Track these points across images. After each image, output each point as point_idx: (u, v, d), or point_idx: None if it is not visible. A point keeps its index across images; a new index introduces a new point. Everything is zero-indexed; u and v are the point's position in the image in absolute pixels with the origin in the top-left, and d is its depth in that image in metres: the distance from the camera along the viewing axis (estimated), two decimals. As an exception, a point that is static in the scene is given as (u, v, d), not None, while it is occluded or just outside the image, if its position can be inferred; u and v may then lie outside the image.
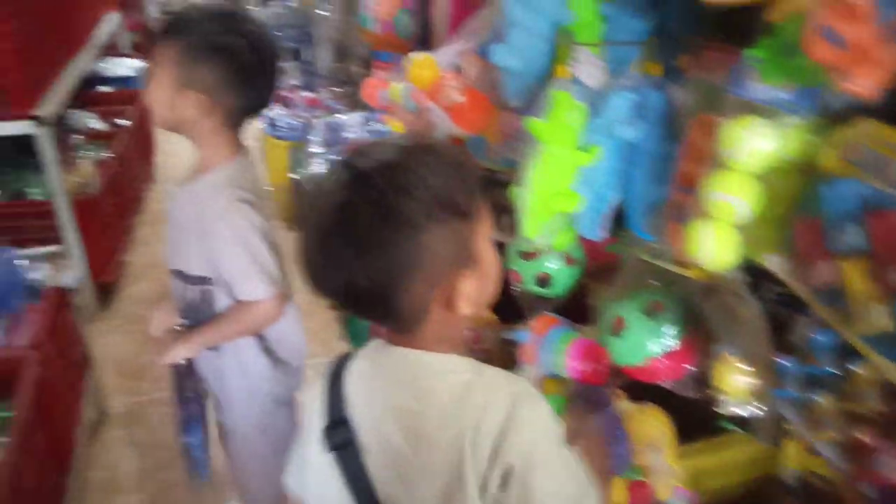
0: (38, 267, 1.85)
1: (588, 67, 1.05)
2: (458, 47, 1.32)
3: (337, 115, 2.78)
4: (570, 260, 1.28)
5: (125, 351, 2.58)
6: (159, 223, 3.61)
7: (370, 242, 0.71)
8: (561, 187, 1.03)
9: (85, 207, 2.56)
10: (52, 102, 2.48)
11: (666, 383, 1.18)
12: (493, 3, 1.27)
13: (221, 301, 1.28)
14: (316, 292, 0.77)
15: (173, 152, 4.56)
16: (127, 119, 3.70)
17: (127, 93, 4.12)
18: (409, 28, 1.81)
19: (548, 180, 1.03)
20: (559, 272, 1.31)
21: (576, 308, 1.37)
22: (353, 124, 2.70)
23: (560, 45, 1.15)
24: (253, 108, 1.28)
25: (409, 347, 0.79)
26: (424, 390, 0.77)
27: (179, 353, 1.29)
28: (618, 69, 1.08)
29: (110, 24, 4.01)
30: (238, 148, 1.28)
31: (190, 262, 1.28)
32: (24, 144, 2.78)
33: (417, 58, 1.31)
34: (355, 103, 2.90)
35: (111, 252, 2.87)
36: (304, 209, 0.84)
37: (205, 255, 1.24)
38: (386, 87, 2.13)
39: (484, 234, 0.79)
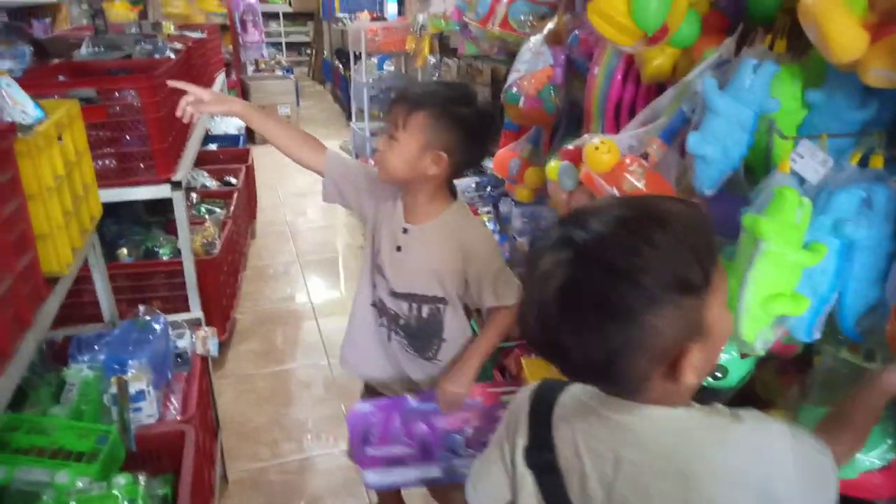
0: (181, 333, 1.88)
1: (810, 161, 1.00)
2: (637, 131, 1.29)
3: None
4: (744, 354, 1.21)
5: (238, 411, 2.59)
6: (263, 279, 3.70)
7: (589, 326, 0.70)
8: (785, 289, 0.97)
9: (207, 267, 2.63)
10: (184, 166, 2.59)
11: (880, 501, 1.08)
12: (682, 88, 1.25)
13: (449, 316, 1.50)
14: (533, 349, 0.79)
15: (267, 208, 4.73)
16: (235, 177, 3.84)
17: (234, 151, 4.31)
18: (554, 103, 1.81)
19: (770, 281, 0.97)
20: (734, 363, 1.24)
21: (746, 399, 1.29)
22: (468, 188, 2.71)
23: (761, 135, 1.11)
24: (473, 162, 1.55)
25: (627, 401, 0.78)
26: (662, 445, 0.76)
27: (462, 391, 1.47)
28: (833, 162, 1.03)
29: (216, 83, 4.23)
30: (454, 194, 1.50)
31: (426, 286, 1.48)
32: (149, 205, 2.92)
33: (595, 140, 1.29)
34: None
35: (225, 310, 2.94)
36: (524, 273, 0.85)
37: (448, 278, 1.46)
38: (516, 156, 2.13)
39: (718, 301, 0.74)
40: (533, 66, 1.86)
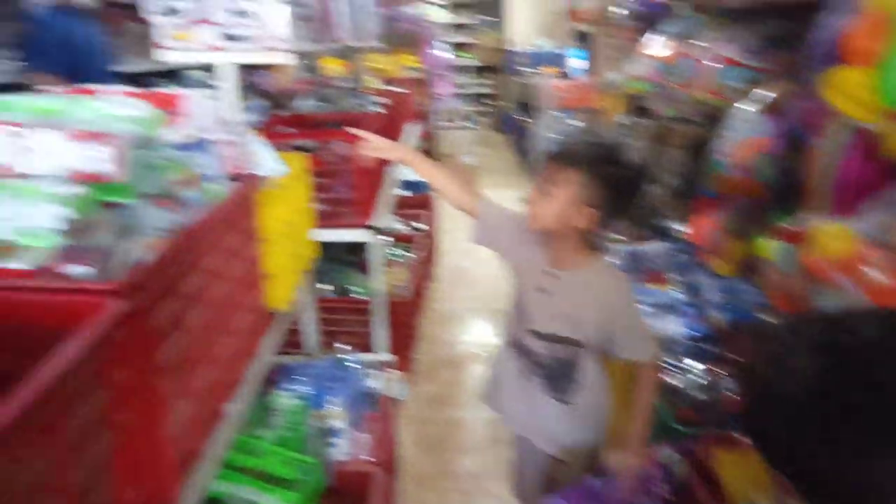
0: (372, 373, 1.99)
1: None
2: (880, 216, 1.17)
3: (639, 244, 2.73)
4: None
5: (410, 455, 2.65)
6: (441, 323, 3.82)
7: (853, 448, 0.61)
8: None
9: (396, 308, 2.78)
10: (380, 212, 2.77)
11: None
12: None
13: (585, 360, 1.57)
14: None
15: (447, 252, 4.90)
16: (422, 222, 4.04)
17: (421, 197, 4.54)
18: (768, 175, 1.70)
19: None
20: None
21: None
22: (656, 254, 2.62)
23: None
24: (621, 217, 1.57)
25: None
26: None
27: (641, 461, 1.53)
28: None
29: (410, 133, 4.50)
30: (601, 246, 1.59)
31: (565, 328, 1.54)
32: (347, 244, 3.15)
33: (826, 224, 1.19)
34: (657, 232, 2.83)
35: (406, 351, 3.06)
36: (756, 365, 0.75)
37: (587, 324, 1.52)
38: (719, 227, 2.03)
39: None
40: (744, 134, 1.78)
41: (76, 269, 0.85)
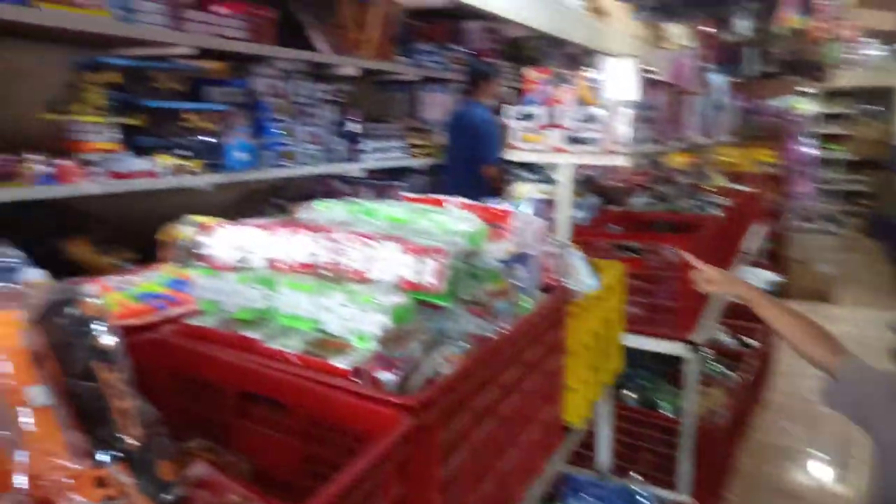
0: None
1: None
2: None
3: None
4: None
5: None
6: (765, 459, 3.32)
7: None
8: None
9: (707, 436, 2.49)
10: (703, 327, 2.54)
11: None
12: None
13: None
14: None
15: (783, 374, 4.26)
16: (755, 338, 3.61)
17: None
18: None
19: None
20: None
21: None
22: None
23: None
24: None
25: None
26: None
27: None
28: None
29: (755, 234, 4.10)
30: None
31: None
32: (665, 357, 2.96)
33: None
34: None
35: (716, 487, 2.72)
36: None
37: None
38: None
39: None
40: None
41: (384, 375, 0.94)
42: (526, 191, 3.10)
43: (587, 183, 3.43)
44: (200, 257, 1.15)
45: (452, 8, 3.67)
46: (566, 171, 2.47)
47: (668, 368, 2.90)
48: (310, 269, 1.12)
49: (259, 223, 1.19)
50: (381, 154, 3.52)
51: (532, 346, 1.29)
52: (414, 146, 3.81)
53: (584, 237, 2.59)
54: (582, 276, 1.52)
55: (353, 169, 3.36)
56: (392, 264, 1.09)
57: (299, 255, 1.13)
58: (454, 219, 1.27)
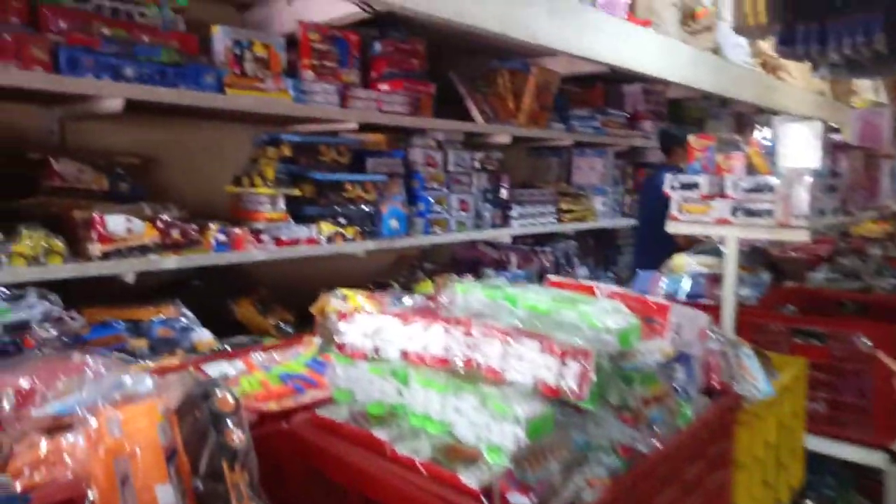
0: None
1: None
2: None
3: None
4: None
5: None
6: None
7: None
8: None
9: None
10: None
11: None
12: None
13: None
14: None
15: None
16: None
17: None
18: None
19: None
20: None
21: None
22: None
23: None
24: None
25: None
26: None
27: None
28: None
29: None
30: None
31: None
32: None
33: None
34: None
35: None
36: None
37: None
38: None
39: None
40: None
41: (518, 499, 0.84)
42: (686, 263, 2.87)
43: (755, 254, 3.10)
44: (340, 346, 1.13)
45: (609, 72, 3.58)
46: (732, 245, 2.24)
47: (862, 478, 2.48)
48: (444, 363, 1.06)
49: (396, 311, 1.16)
50: (530, 220, 3.46)
51: (693, 462, 1.13)
52: (562, 211, 3.71)
53: (753, 318, 2.32)
54: (754, 378, 1.32)
55: (501, 235, 3.32)
56: (531, 365, 1.00)
57: (434, 347, 1.08)
58: (603, 311, 1.15)
